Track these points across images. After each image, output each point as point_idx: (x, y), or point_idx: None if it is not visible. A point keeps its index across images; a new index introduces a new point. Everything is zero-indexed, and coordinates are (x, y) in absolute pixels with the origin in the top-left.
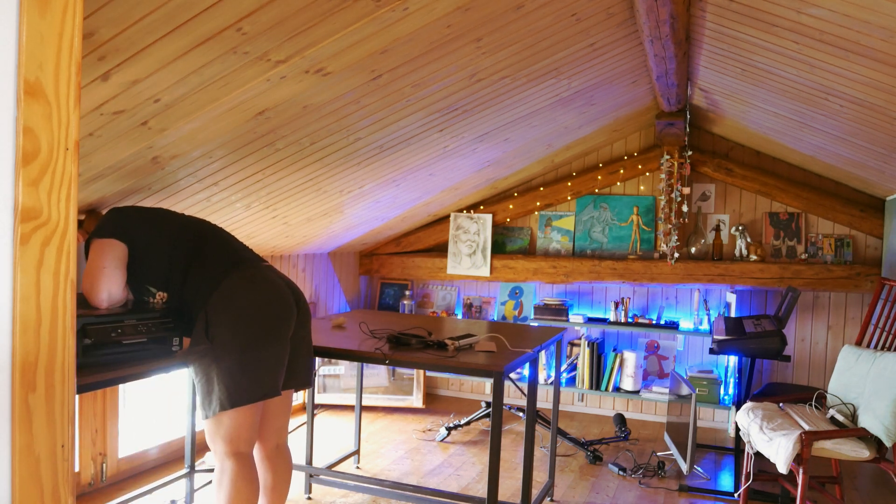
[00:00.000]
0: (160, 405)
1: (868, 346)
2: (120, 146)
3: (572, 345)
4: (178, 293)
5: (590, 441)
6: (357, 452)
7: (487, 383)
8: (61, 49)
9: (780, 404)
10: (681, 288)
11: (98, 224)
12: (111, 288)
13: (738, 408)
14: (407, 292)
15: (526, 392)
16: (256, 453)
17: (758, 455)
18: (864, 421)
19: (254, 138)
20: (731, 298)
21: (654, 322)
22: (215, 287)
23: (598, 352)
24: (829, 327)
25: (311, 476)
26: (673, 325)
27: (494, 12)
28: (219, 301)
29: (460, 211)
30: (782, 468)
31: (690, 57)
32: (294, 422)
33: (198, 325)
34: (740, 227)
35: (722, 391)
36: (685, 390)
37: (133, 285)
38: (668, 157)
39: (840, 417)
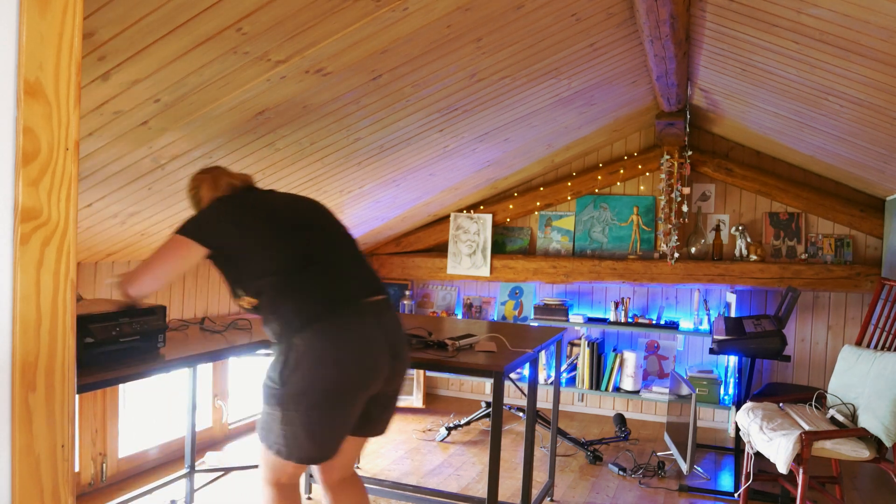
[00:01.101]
0: (160, 405)
1: (868, 346)
2: (120, 146)
3: (572, 345)
4: (267, 308)
5: (590, 441)
6: None
7: (487, 383)
8: (61, 49)
9: (780, 404)
10: (681, 288)
11: (193, 217)
12: (152, 287)
13: (738, 408)
14: (407, 292)
15: (526, 392)
16: (321, 480)
17: (758, 455)
18: (864, 421)
19: (254, 138)
20: (731, 298)
21: (654, 322)
22: (304, 327)
23: (598, 352)
24: (829, 327)
25: (310, 476)
26: (673, 325)
27: (494, 12)
28: (303, 346)
29: (460, 211)
30: (782, 468)
31: (690, 57)
32: None
33: (277, 355)
34: (740, 227)
35: (722, 391)
36: (685, 390)
37: (227, 278)
38: (668, 157)
39: (840, 417)
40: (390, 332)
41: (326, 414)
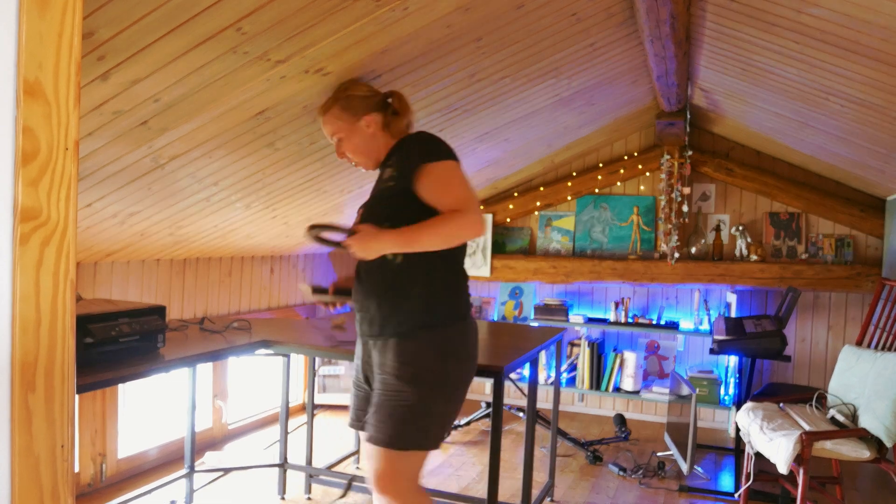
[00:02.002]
0: (160, 405)
1: (868, 346)
2: (120, 146)
3: (572, 345)
4: (427, 280)
5: (590, 441)
6: (357, 452)
7: (487, 383)
8: (61, 49)
9: (781, 404)
10: (681, 288)
11: (439, 144)
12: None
13: (738, 408)
14: None
15: (526, 392)
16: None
17: (758, 455)
18: (865, 421)
19: (254, 138)
20: (732, 298)
21: (654, 322)
22: (465, 315)
23: (598, 352)
24: (829, 327)
25: (310, 476)
26: (673, 326)
27: (494, 12)
28: (462, 334)
29: None
30: (782, 468)
31: (690, 57)
32: (294, 422)
33: (433, 339)
34: (740, 227)
35: (722, 391)
36: (685, 390)
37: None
38: (668, 157)
39: (840, 418)
40: None
41: (460, 402)
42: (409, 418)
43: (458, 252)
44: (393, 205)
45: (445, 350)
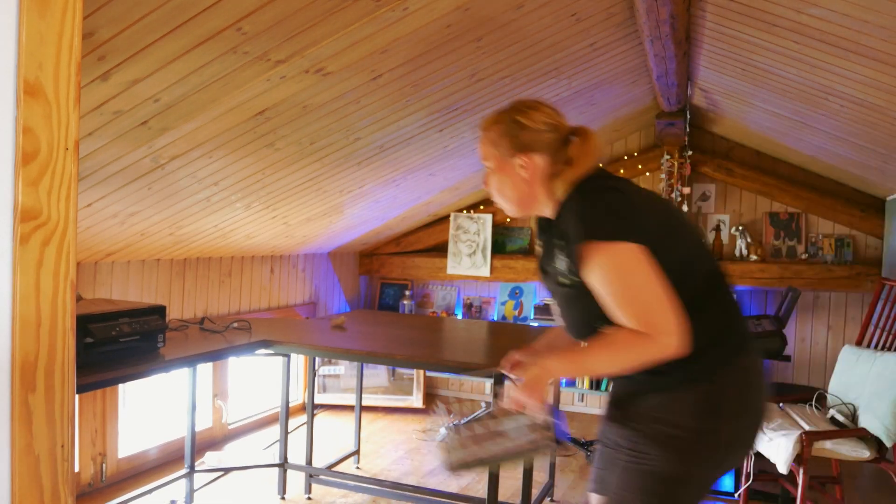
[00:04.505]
0: (160, 405)
1: (868, 346)
2: (120, 146)
3: None
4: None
5: (590, 441)
6: (357, 452)
7: (487, 383)
8: (61, 49)
9: (781, 404)
10: None
11: (595, 215)
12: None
13: None
14: (407, 292)
15: None
16: None
17: (758, 455)
18: (865, 421)
19: (254, 138)
20: None
21: None
22: (729, 360)
23: None
24: (829, 327)
25: (311, 476)
26: None
27: (494, 12)
28: (729, 384)
29: (460, 211)
30: (782, 468)
31: (690, 57)
32: (294, 422)
33: (683, 391)
34: (740, 227)
35: None
36: None
37: (579, 314)
38: (668, 157)
39: (840, 417)
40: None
41: (718, 474)
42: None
43: (702, 288)
44: (584, 312)
45: (707, 405)
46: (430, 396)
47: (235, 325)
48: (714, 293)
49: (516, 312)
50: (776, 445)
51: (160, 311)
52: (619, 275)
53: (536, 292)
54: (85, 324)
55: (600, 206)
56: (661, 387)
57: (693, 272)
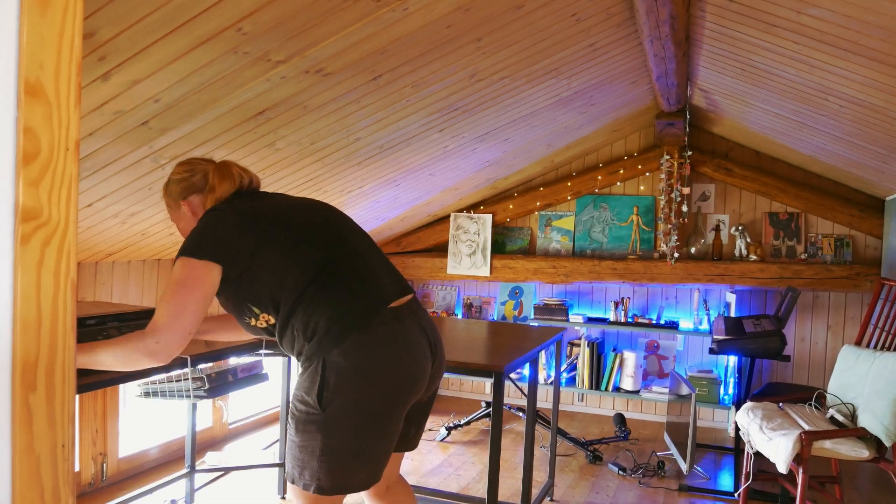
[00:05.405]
0: (160, 405)
1: (867, 345)
2: (120, 146)
3: (572, 345)
4: (291, 325)
5: (590, 441)
6: None
7: (487, 383)
8: (62, 49)
9: (780, 404)
10: (681, 288)
11: (191, 236)
12: (191, 329)
13: (737, 408)
14: None
15: (526, 392)
16: (367, 496)
17: (757, 455)
18: (864, 421)
19: (254, 138)
20: (731, 298)
21: (653, 322)
22: (341, 338)
23: (598, 352)
24: (828, 327)
25: None
26: (673, 325)
27: (494, 12)
28: (343, 361)
29: (460, 211)
30: (782, 468)
31: (690, 57)
32: None
33: (307, 375)
34: (740, 227)
35: (722, 391)
36: (685, 390)
37: (232, 304)
38: (667, 157)
39: (840, 417)
40: (429, 331)
41: (375, 434)
42: (298, 460)
43: (308, 285)
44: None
45: (325, 384)
46: None
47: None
48: (325, 282)
49: (516, 312)
50: (776, 445)
51: (153, 314)
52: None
53: (536, 292)
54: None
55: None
56: (302, 367)
57: (292, 269)
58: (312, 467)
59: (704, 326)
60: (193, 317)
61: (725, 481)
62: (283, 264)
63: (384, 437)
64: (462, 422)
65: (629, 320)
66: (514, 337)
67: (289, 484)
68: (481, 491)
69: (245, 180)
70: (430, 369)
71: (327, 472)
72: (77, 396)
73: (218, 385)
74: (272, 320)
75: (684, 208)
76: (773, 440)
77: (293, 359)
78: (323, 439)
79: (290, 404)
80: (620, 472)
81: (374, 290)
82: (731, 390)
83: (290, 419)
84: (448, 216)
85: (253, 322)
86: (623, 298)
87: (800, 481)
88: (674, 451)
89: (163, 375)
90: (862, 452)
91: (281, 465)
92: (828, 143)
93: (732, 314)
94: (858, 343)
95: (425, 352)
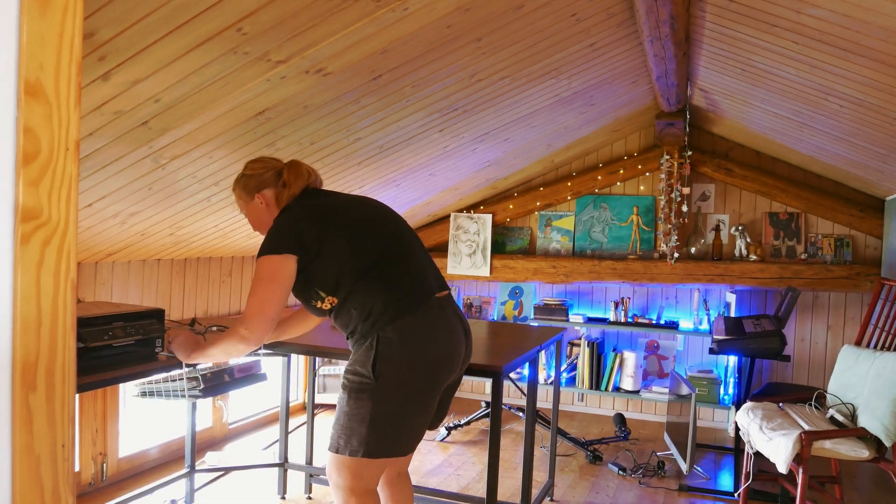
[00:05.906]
0: (160, 405)
1: (867, 345)
2: (120, 146)
3: (572, 345)
4: (350, 305)
5: (590, 441)
6: None
7: (487, 383)
8: (62, 49)
9: (780, 404)
10: (681, 288)
11: (269, 237)
12: (274, 317)
13: (737, 408)
14: None
15: (526, 392)
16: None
17: (757, 455)
18: (864, 421)
19: (254, 138)
20: (731, 298)
21: (653, 322)
22: (395, 318)
23: (598, 352)
24: (828, 327)
25: (311, 476)
26: (673, 325)
27: (494, 12)
28: (396, 337)
29: (460, 211)
30: (782, 468)
31: (690, 57)
32: (294, 422)
33: (363, 350)
34: (740, 227)
35: (722, 391)
36: (685, 390)
37: (302, 289)
38: (667, 157)
39: (840, 417)
40: (463, 321)
41: (417, 407)
42: (346, 429)
43: (369, 271)
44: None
45: (380, 356)
46: None
47: (214, 328)
48: (383, 270)
49: (516, 312)
50: (776, 445)
51: (158, 314)
52: (255, 276)
53: (536, 292)
54: (77, 328)
55: (271, 230)
56: (356, 344)
57: (354, 258)
58: (361, 433)
59: (704, 326)
60: (275, 306)
61: (725, 481)
62: (348, 251)
63: (424, 410)
64: (462, 422)
65: (629, 320)
66: (513, 337)
67: (331, 456)
68: (481, 491)
69: (313, 177)
70: (464, 353)
71: (375, 437)
72: (77, 396)
73: (214, 385)
74: (336, 301)
75: (684, 208)
76: (773, 440)
77: (346, 338)
78: (374, 406)
79: (343, 378)
80: (620, 472)
81: (422, 281)
82: (731, 390)
83: (341, 391)
84: (448, 216)
85: (319, 304)
86: (623, 298)
87: (800, 481)
88: (674, 451)
89: (160, 375)
90: (862, 452)
91: (281, 466)
92: (828, 143)
93: (732, 314)
94: (858, 343)
95: (461, 337)
